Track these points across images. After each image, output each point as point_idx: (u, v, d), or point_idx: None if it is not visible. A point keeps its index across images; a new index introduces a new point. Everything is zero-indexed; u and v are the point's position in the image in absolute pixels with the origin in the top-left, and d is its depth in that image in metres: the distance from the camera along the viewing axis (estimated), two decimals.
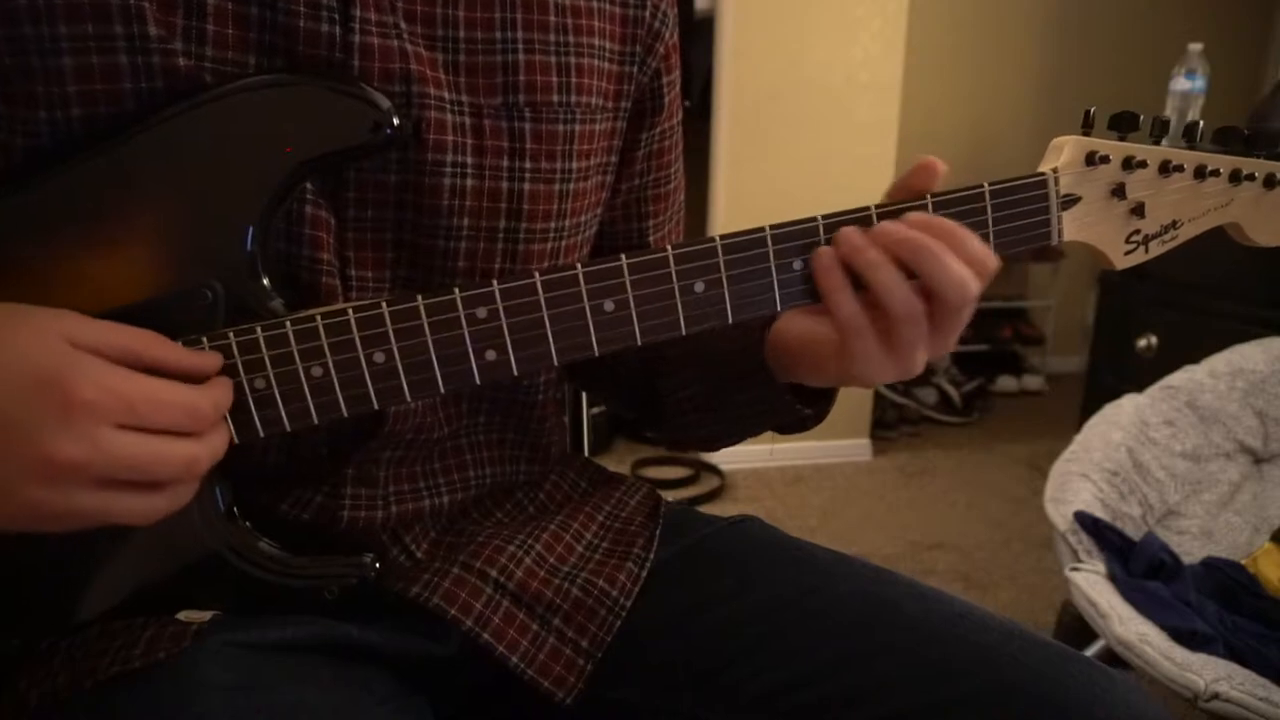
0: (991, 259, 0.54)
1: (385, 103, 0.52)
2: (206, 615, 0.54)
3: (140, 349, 0.47)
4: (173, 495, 0.48)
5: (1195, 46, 2.17)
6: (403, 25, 0.55)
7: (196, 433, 0.48)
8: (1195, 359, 1.61)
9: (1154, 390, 1.56)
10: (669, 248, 0.54)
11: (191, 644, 0.51)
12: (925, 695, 0.55)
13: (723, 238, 0.54)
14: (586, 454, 0.92)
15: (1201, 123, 0.60)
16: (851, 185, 2.53)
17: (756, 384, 0.63)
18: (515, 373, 0.53)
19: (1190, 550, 1.46)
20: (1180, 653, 1.12)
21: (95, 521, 0.47)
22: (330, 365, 0.51)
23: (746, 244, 0.54)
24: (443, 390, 0.53)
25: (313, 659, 0.54)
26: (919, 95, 2.97)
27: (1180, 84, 2.19)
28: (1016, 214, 0.57)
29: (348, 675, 0.55)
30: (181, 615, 0.54)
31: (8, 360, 0.43)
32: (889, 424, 2.98)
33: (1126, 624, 1.17)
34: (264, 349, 0.51)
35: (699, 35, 2.51)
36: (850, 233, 0.54)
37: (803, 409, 0.63)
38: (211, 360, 0.50)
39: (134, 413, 0.45)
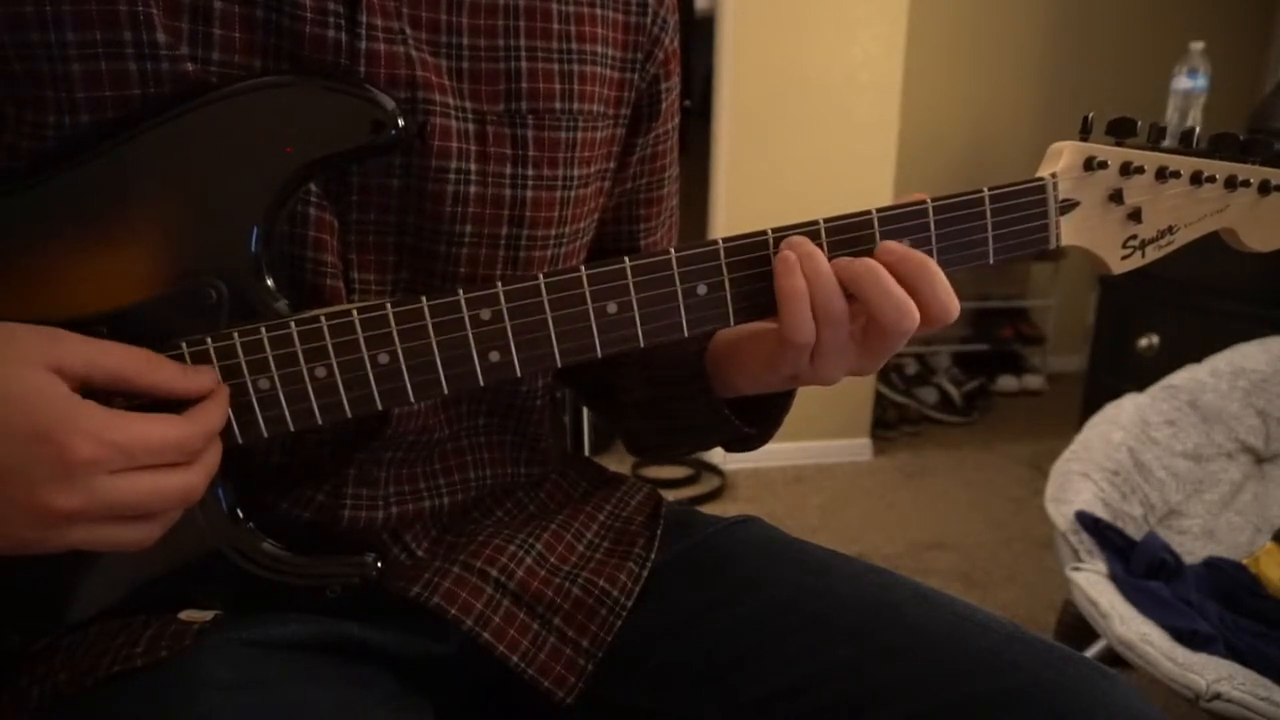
0: (953, 307, 0.54)
1: (390, 103, 0.52)
2: (208, 615, 0.54)
3: (133, 375, 0.47)
4: (166, 521, 0.49)
5: (1197, 45, 2.17)
6: (408, 31, 0.55)
7: (191, 461, 0.48)
8: (1196, 358, 1.61)
9: (1155, 390, 1.56)
10: (672, 250, 0.54)
11: (193, 642, 0.51)
12: (927, 699, 0.55)
13: (725, 240, 0.54)
14: (587, 454, 0.92)
15: (1198, 128, 0.61)
16: (851, 185, 2.53)
17: (693, 395, 0.64)
18: (519, 374, 0.54)
19: (1192, 550, 1.46)
20: (1182, 653, 1.12)
21: (89, 550, 0.47)
22: (334, 366, 0.52)
23: (748, 246, 0.55)
24: (446, 391, 0.53)
25: (314, 657, 0.55)
26: (919, 95, 2.97)
27: (1182, 83, 2.18)
28: (1016, 219, 0.58)
29: (349, 674, 0.56)
30: (183, 614, 0.54)
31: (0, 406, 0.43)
32: (889, 424, 2.98)
33: (1128, 624, 1.17)
34: (268, 349, 0.51)
35: (699, 35, 2.52)
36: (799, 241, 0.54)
37: (742, 426, 0.64)
38: (206, 381, 0.50)
39: (130, 458, 0.45)
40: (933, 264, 0.54)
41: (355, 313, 0.51)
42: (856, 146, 2.53)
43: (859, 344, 0.55)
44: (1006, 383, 3.42)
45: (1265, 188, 0.62)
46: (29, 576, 0.54)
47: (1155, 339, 2.21)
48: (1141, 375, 1.74)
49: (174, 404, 0.49)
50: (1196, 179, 0.60)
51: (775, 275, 0.54)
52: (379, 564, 0.57)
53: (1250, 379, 1.56)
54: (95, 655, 0.52)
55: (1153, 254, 0.62)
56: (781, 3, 2.39)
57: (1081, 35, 3.34)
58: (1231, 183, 0.61)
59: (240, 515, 0.55)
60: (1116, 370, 2.30)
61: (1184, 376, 1.58)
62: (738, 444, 0.67)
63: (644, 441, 0.76)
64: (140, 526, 0.47)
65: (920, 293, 0.53)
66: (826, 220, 0.55)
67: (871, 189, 2.53)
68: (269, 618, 0.54)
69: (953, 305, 0.54)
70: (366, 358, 0.52)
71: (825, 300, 0.53)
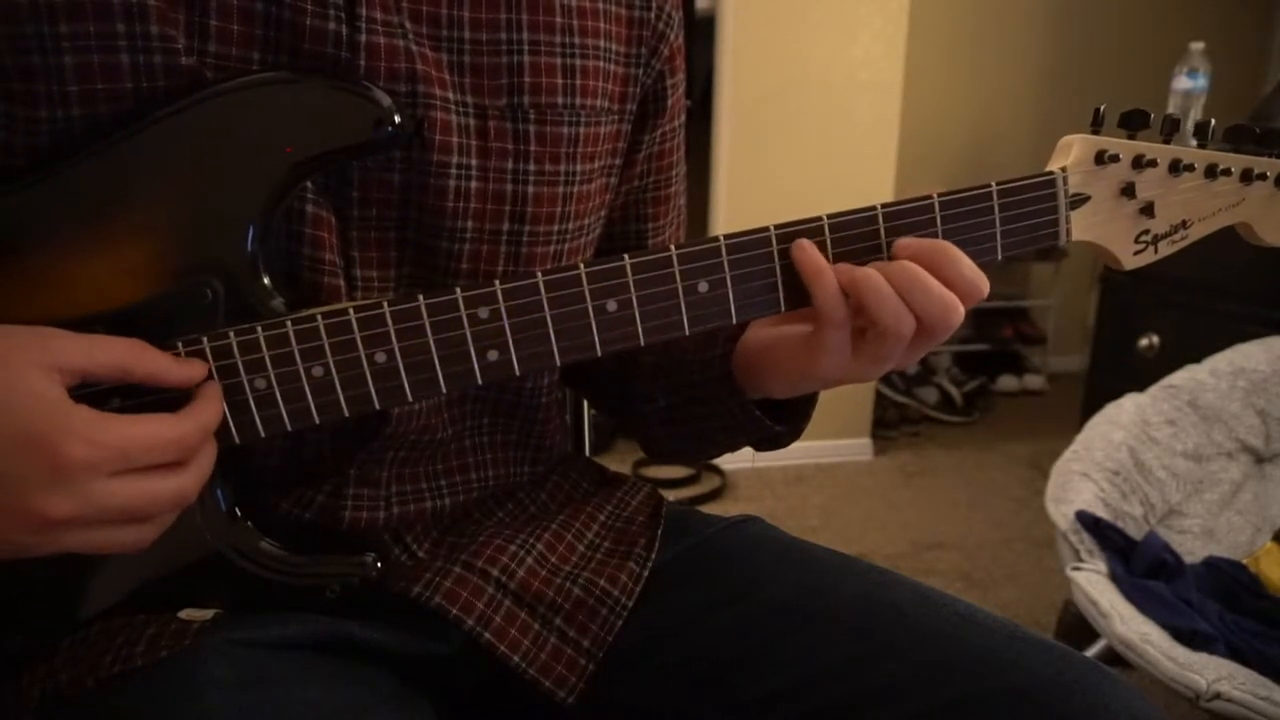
0: (983, 283, 0.54)
1: (386, 100, 0.52)
2: (208, 614, 0.54)
3: (132, 364, 0.47)
4: (161, 524, 0.49)
5: (1197, 45, 2.17)
6: (408, 25, 0.55)
7: (185, 463, 0.48)
8: (1197, 358, 1.61)
9: (1155, 389, 1.56)
10: (672, 247, 0.53)
11: (194, 642, 0.51)
12: (927, 699, 0.55)
13: (726, 237, 0.54)
14: (588, 454, 0.92)
15: (1213, 121, 0.59)
16: (852, 184, 2.53)
17: (721, 398, 0.63)
18: (517, 373, 0.53)
19: (1192, 550, 1.46)
20: (1182, 652, 1.12)
21: (83, 553, 0.47)
22: (331, 365, 0.51)
23: (750, 244, 0.54)
24: (444, 390, 0.53)
25: (315, 657, 0.54)
26: (920, 94, 2.97)
27: (1182, 83, 2.18)
28: (1024, 213, 0.57)
29: (350, 673, 0.55)
30: (183, 614, 0.54)
31: None
32: (890, 423, 2.98)
33: (1128, 623, 1.17)
34: (265, 349, 0.51)
35: (699, 35, 2.51)
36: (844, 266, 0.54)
37: (773, 425, 0.63)
38: (198, 368, 0.50)
39: (125, 459, 0.45)
40: (951, 246, 0.54)
41: (352, 311, 0.51)
42: (857, 146, 2.53)
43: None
44: (1007, 383, 3.41)
45: None
46: (31, 577, 0.53)
47: (1155, 339, 2.21)
48: (1141, 375, 1.73)
49: (168, 404, 0.48)
50: (1211, 172, 0.59)
51: (794, 261, 0.54)
52: (379, 564, 0.57)
53: (1250, 379, 1.56)
54: (96, 655, 0.52)
55: (1165, 249, 0.61)
56: (781, 3, 2.38)
57: (1082, 35, 3.33)
58: (1247, 176, 0.60)
59: (239, 514, 0.55)
60: (1117, 370, 2.30)
61: (1184, 376, 1.58)
62: (768, 443, 0.67)
63: (667, 446, 0.75)
64: (135, 529, 0.47)
65: (949, 279, 0.53)
66: (830, 216, 0.55)
67: (872, 189, 2.53)
68: (269, 617, 0.54)
69: (982, 281, 0.54)
70: (364, 357, 0.51)
71: (848, 277, 0.53)
